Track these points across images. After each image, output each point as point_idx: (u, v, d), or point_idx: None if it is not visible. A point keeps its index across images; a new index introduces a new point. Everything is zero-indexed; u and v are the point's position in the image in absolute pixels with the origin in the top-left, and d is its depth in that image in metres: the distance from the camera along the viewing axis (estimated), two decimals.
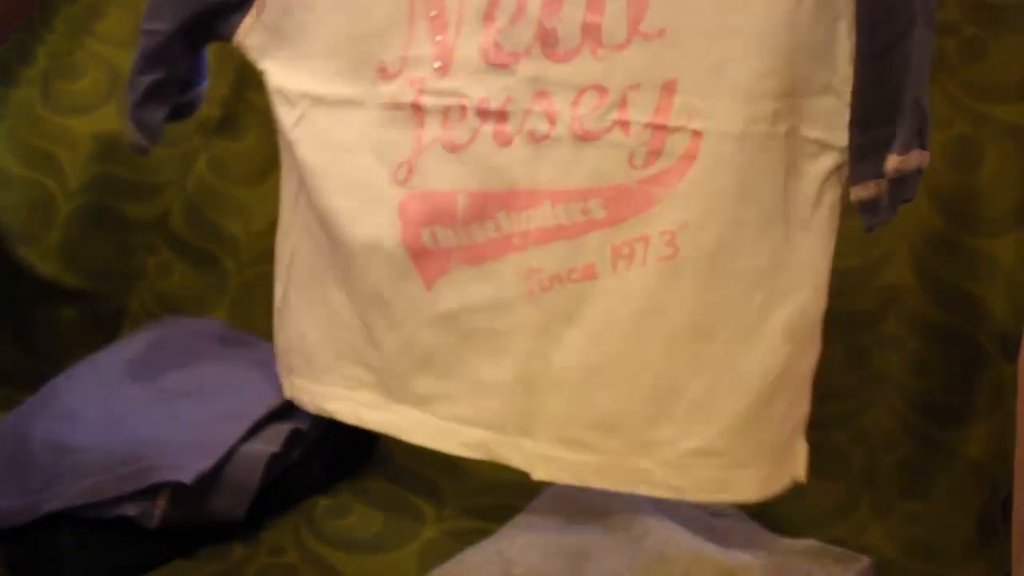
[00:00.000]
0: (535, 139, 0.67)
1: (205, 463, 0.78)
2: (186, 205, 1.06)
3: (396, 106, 0.72)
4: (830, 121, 0.64)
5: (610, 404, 0.68)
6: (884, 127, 0.62)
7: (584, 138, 0.66)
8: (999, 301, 0.82)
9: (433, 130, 0.70)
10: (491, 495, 0.83)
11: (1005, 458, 0.72)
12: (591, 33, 0.65)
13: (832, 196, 0.65)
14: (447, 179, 0.70)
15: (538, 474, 0.71)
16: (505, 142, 0.68)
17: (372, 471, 0.89)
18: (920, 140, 0.63)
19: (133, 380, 0.89)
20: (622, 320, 0.67)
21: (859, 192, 0.65)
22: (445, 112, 0.70)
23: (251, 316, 1.03)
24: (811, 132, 0.64)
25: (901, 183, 0.63)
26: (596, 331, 0.68)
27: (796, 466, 0.69)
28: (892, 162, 0.62)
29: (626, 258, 0.67)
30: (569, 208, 0.67)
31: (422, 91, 0.71)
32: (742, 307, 0.66)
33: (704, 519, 0.76)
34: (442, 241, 0.71)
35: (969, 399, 0.83)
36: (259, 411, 0.84)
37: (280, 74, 0.77)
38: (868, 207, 0.65)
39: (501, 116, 0.68)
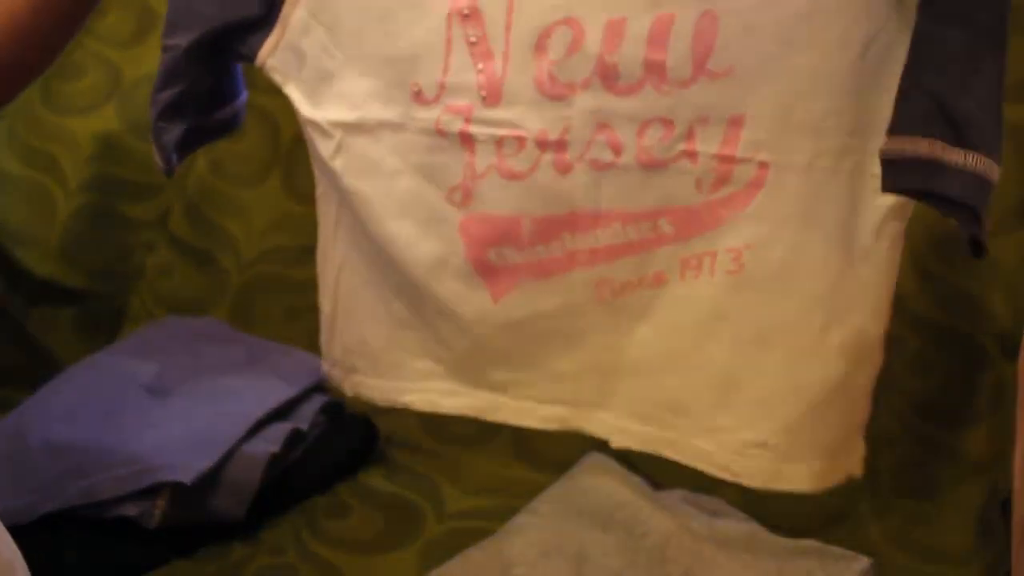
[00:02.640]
0: (599, 167, 0.68)
1: (205, 463, 0.78)
2: (186, 205, 1.06)
3: (440, 133, 0.71)
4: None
5: (678, 389, 0.71)
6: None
7: (651, 166, 0.67)
8: (999, 301, 0.82)
9: (487, 158, 0.70)
10: (491, 495, 0.83)
11: (1005, 458, 0.72)
12: (654, 70, 0.65)
13: (894, 229, 0.66)
14: (508, 205, 0.70)
15: (615, 442, 0.74)
16: (566, 170, 0.69)
17: (372, 471, 0.89)
18: (929, 129, 0.62)
19: (133, 380, 0.89)
20: (690, 320, 0.70)
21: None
22: (499, 142, 0.69)
23: (251, 316, 1.03)
24: (875, 167, 0.64)
25: (892, 167, 0.63)
26: (666, 328, 0.70)
27: (852, 463, 0.71)
28: (884, 143, 0.63)
29: (694, 268, 0.69)
30: (639, 226, 0.69)
31: (469, 120, 0.70)
32: (802, 325, 0.68)
33: (704, 519, 0.76)
34: (509, 259, 0.72)
35: (969, 399, 0.83)
36: (259, 411, 0.84)
37: (308, 103, 0.75)
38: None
39: (561, 145, 0.68)
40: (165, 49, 0.75)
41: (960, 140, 0.62)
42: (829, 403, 0.69)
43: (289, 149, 1.02)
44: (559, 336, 0.73)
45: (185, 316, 1.03)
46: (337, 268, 0.79)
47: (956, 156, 0.62)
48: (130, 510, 0.76)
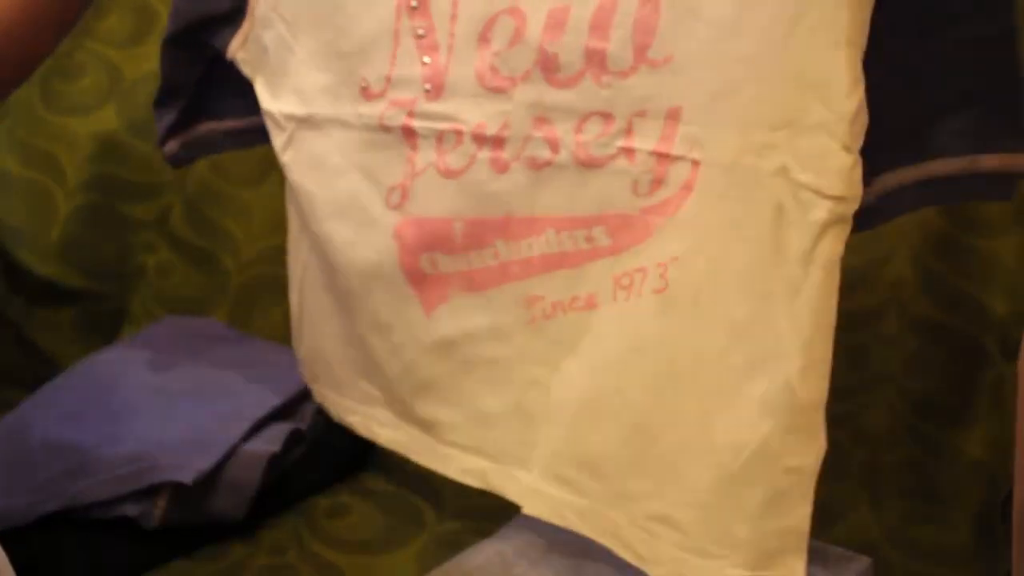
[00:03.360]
0: (535, 165, 0.65)
1: (205, 463, 0.78)
2: (186, 205, 1.06)
3: (383, 128, 0.69)
4: (823, 163, 0.58)
5: (597, 443, 0.64)
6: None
7: (588, 165, 0.64)
8: (999, 301, 0.82)
9: (427, 155, 0.68)
10: (491, 495, 0.83)
11: (1005, 458, 0.72)
12: (595, 59, 0.62)
13: (828, 255, 0.58)
14: (442, 205, 0.68)
15: (528, 508, 0.68)
16: (502, 169, 0.66)
17: (372, 471, 0.89)
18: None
19: (133, 380, 0.89)
20: (614, 353, 0.63)
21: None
22: (440, 137, 0.67)
23: (251, 316, 1.03)
24: (803, 175, 0.58)
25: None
26: (592, 363, 0.65)
27: None
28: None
29: (625, 288, 0.63)
30: (574, 235, 0.65)
31: (412, 114, 0.68)
32: (721, 362, 0.59)
33: None
34: (441, 267, 0.69)
35: (969, 399, 0.83)
36: (259, 411, 0.84)
37: (267, 94, 0.75)
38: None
39: (498, 142, 0.66)
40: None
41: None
42: (745, 478, 0.58)
43: None
44: (488, 364, 0.69)
45: (185, 316, 1.03)
46: (303, 267, 0.78)
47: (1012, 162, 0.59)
48: (130, 510, 0.76)
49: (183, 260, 1.06)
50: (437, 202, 0.68)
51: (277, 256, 1.02)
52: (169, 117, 0.81)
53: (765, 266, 0.59)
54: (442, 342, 0.70)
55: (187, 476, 0.77)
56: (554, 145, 0.64)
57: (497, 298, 0.68)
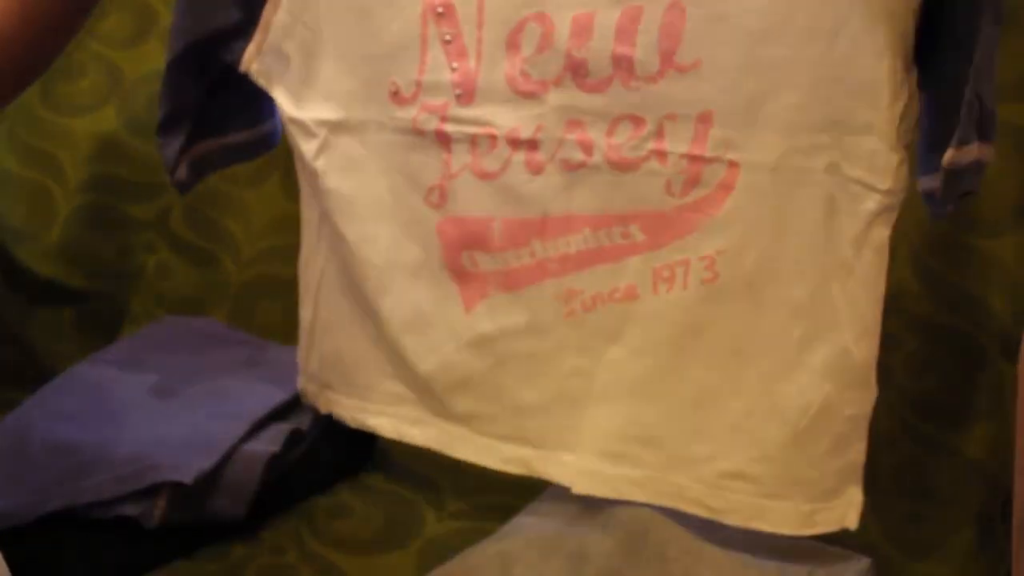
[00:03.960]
0: (569, 167, 0.67)
1: (205, 463, 0.78)
2: (186, 205, 1.06)
3: (417, 131, 0.70)
4: (872, 162, 0.63)
5: (651, 417, 0.68)
6: (948, 121, 0.62)
7: (621, 166, 0.65)
8: (999, 301, 0.82)
9: (462, 157, 0.69)
10: (491, 495, 0.83)
11: (1005, 458, 0.72)
12: (623, 65, 0.64)
13: (878, 239, 0.64)
14: (480, 206, 0.69)
15: (579, 487, 0.70)
16: (537, 170, 0.67)
17: (372, 471, 0.89)
18: (980, 133, 0.62)
19: (133, 380, 0.89)
20: (664, 337, 0.67)
21: (923, 183, 0.66)
22: (473, 140, 0.69)
23: (251, 316, 1.03)
24: (852, 171, 0.63)
25: (955, 176, 0.63)
26: (638, 347, 0.68)
27: (847, 514, 0.68)
28: (948, 155, 0.62)
29: (667, 280, 0.66)
30: (610, 232, 0.67)
31: (445, 118, 0.69)
32: (780, 337, 0.65)
33: (704, 519, 0.76)
34: (481, 265, 0.70)
35: (969, 399, 0.83)
36: (259, 411, 0.84)
37: (292, 103, 0.75)
38: (928, 198, 0.66)
39: (533, 145, 0.67)
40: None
41: (986, 136, 0.63)
42: (812, 432, 0.66)
43: (289, 149, 1.02)
44: (526, 360, 0.71)
45: (185, 316, 1.03)
46: (319, 274, 0.78)
47: (985, 153, 0.63)
48: (130, 510, 0.76)
49: (183, 260, 1.06)
50: (474, 203, 0.69)
51: (277, 256, 1.03)
52: (176, 142, 0.78)
53: (818, 252, 0.64)
54: (480, 338, 0.71)
55: (187, 476, 0.77)
56: (587, 147, 0.66)
57: (535, 295, 0.69)
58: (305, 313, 0.80)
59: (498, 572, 0.70)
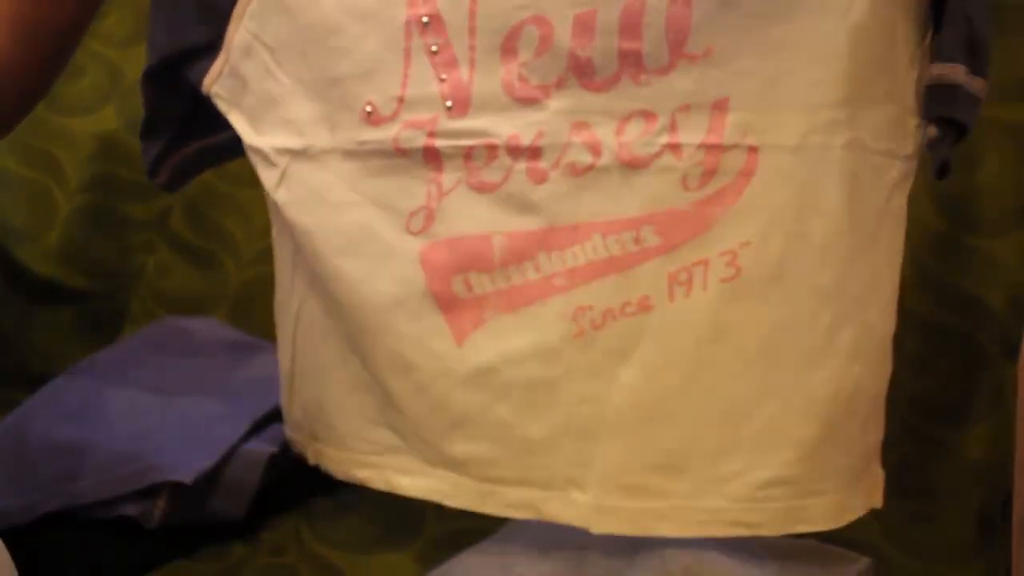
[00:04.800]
0: (576, 172, 0.63)
1: (205, 463, 0.78)
2: (186, 205, 1.06)
3: (399, 152, 0.65)
4: (893, 130, 0.62)
5: (675, 441, 0.64)
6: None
7: (633, 165, 0.62)
8: (999, 301, 0.82)
9: (455, 173, 0.65)
10: None
11: (1005, 458, 0.72)
12: (630, 59, 0.61)
13: (897, 208, 0.64)
14: (478, 221, 0.64)
15: (597, 527, 0.65)
16: (540, 179, 0.64)
17: None
18: (969, 62, 0.61)
19: (133, 380, 0.89)
20: (684, 349, 0.63)
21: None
22: (467, 154, 0.64)
23: (251, 316, 1.03)
24: (874, 142, 0.61)
25: (937, 95, 0.62)
26: (655, 365, 0.63)
27: (872, 493, 0.67)
28: (934, 68, 0.61)
29: (683, 284, 0.63)
30: (621, 238, 0.63)
31: (433, 134, 0.64)
32: (809, 327, 0.62)
33: None
34: (477, 288, 0.65)
35: (969, 399, 0.83)
36: (259, 411, 0.84)
37: (251, 129, 0.70)
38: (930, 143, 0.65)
39: (534, 152, 0.63)
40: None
41: (977, 68, 0.62)
42: (844, 417, 0.64)
43: None
44: (529, 389, 0.65)
45: (185, 316, 1.03)
46: (294, 318, 0.74)
47: (976, 84, 0.62)
48: (130, 510, 0.76)
49: (183, 260, 1.06)
50: (472, 219, 0.65)
51: None
52: (156, 148, 0.76)
53: (843, 231, 0.62)
54: (477, 371, 0.66)
55: (187, 476, 0.77)
56: (595, 149, 0.63)
57: (540, 314, 0.64)
58: (284, 359, 0.75)
59: (498, 572, 0.70)
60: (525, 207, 0.64)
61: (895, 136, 0.62)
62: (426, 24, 0.64)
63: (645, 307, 0.63)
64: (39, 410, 0.86)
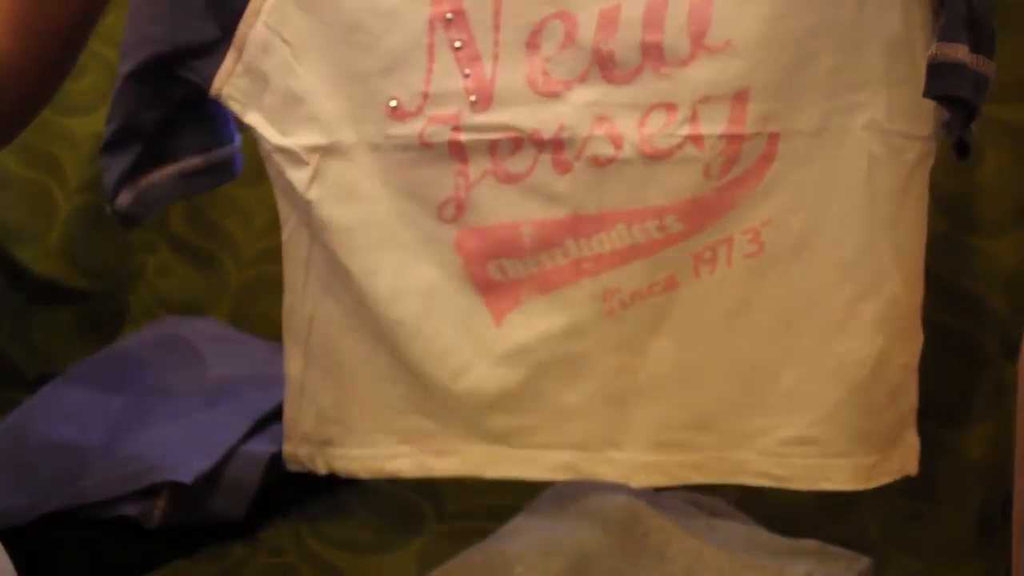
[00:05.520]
0: (599, 163, 0.65)
1: (205, 463, 0.78)
2: (186, 205, 1.06)
3: (425, 145, 0.67)
4: (911, 111, 0.64)
5: (705, 402, 0.68)
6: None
7: (655, 157, 0.65)
8: (999, 301, 0.82)
9: (481, 164, 0.67)
10: (491, 495, 0.83)
11: (1005, 458, 0.72)
12: (652, 52, 0.63)
13: (918, 187, 0.65)
14: (507, 211, 0.67)
15: (636, 481, 0.69)
16: (565, 169, 0.66)
17: None
18: (972, 42, 0.62)
19: (133, 380, 0.89)
20: (710, 321, 0.67)
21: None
22: (492, 147, 0.66)
23: (251, 316, 1.03)
24: (892, 124, 0.64)
25: (939, 73, 0.62)
26: (684, 336, 0.67)
27: (907, 459, 0.69)
28: (932, 48, 0.62)
29: (708, 262, 0.66)
30: (645, 226, 0.66)
31: (458, 128, 0.66)
32: (832, 298, 0.65)
33: (704, 519, 0.76)
34: (511, 273, 0.68)
35: (969, 399, 0.83)
36: (259, 411, 0.84)
37: (273, 130, 0.70)
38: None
39: (557, 144, 0.65)
40: (117, 78, 0.70)
41: (979, 47, 0.62)
42: (870, 385, 0.66)
43: None
44: (565, 363, 0.69)
45: (185, 316, 1.03)
46: (308, 320, 0.73)
47: (980, 64, 0.63)
48: (130, 510, 0.76)
49: (183, 260, 1.06)
50: (501, 208, 0.67)
51: (277, 256, 1.02)
52: (122, 163, 0.71)
53: (863, 209, 0.64)
54: (515, 349, 0.69)
55: (187, 476, 0.77)
56: (617, 141, 0.65)
57: (572, 295, 0.68)
58: (293, 368, 0.75)
59: (498, 572, 0.70)
60: (551, 197, 0.66)
61: (913, 117, 0.64)
62: (450, 20, 0.65)
63: (672, 284, 0.66)
64: (39, 410, 0.86)
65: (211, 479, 0.78)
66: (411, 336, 0.70)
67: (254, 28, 0.68)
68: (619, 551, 0.71)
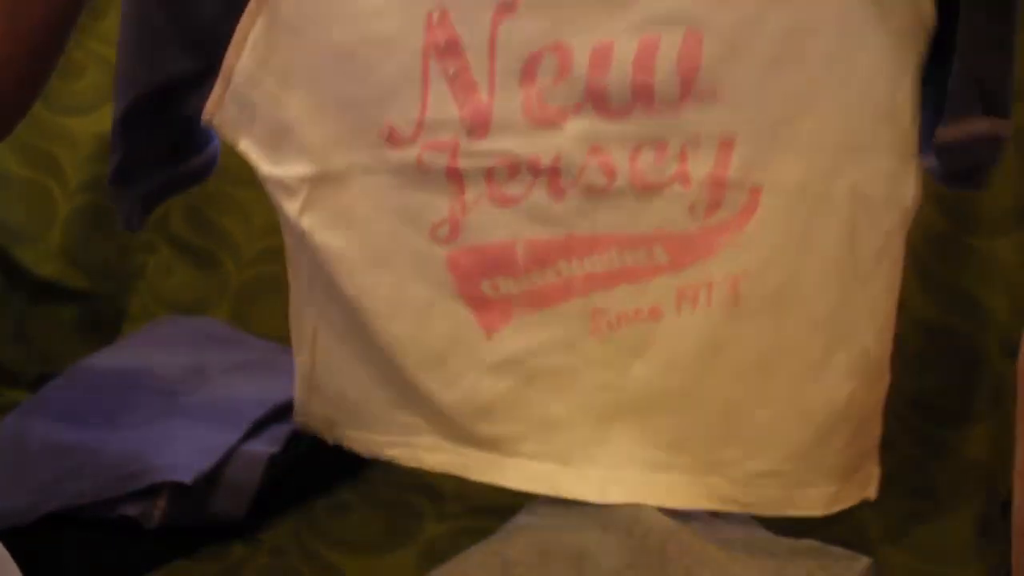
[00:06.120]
0: (593, 191, 0.66)
1: (205, 463, 0.78)
2: (186, 205, 1.06)
3: (420, 170, 0.67)
4: (895, 179, 0.64)
5: (680, 429, 0.69)
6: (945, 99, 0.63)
7: (646, 189, 0.65)
8: (999, 301, 0.82)
9: (478, 188, 0.67)
10: (491, 495, 0.83)
11: (1005, 458, 0.72)
12: (643, 93, 0.64)
13: (896, 250, 0.66)
14: (502, 231, 0.68)
15: (609, 497, 0.70)
16: (559, 195, 0.67)
17: (372, 471, 0.89)
18: (987, 104, 0.62)
19: (133, 380, 0.89)
20: (687, 356, 0.68)
21: (925, 160, 0.66)
22: (489, 172, 0.67)
23: (251, 316, 1.03)
24: (875, 190, 0.64)
25: (951, 156, 0.64)
26: (663, 365, 0.68)
27: (867, 486, 0.71)
28: (948, 131, 0.63)
29: (690, 300, 0.67)
30: (635, 253, 0.67)
31: (456, 154, 0.67)
32: (804, 349, 0.67)
33: (704, 519, 0.76)
34: (504, 290, 0.69)
35: (969, 399, 0.83)
36: (259, 411, 0.84)
37: (265, 158, 0.70)
38: (936, 174, 0.67)
39: (553, 172, 0.66)
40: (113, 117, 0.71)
41: (994, 108, 0.63)
42: (837, 425, 0.68)
43: None
44: (554, 374, 0.70)
45: (185, 316, 1.03)
46: (313, 325, 0.76)
47: (997, 127, 0.63)
48: (130, 510, 0.76)
49: (183, 260, 1.06)
50: (496, 228, 0.68)
51: (277, 256, 1.02)
52: (132, 192, 0.74)
53: (840, 270, 0.65)
54: (505, 361, 0.70)
55: (187, 476, 0.76)
56: (610, 172, 0.65)
57: (562, 312, 0.69)
58: (302, 359, 0.77)
59: (498, 573, 0.70)
60: (546, 219, 0.67)
61: (895, 185, 0.64)
62: (444, 49, 0.65)
63: (655, 314, 0.67)
64: (39, 410, 0.86)
65: (211, 479, 0.78)
66: (406, 350, 0.72)
67: (240, 60, 0.68)
68: (619, 551, 0.70)
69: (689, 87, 0.63)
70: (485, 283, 0.69)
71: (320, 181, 0.69)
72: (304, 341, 0.77)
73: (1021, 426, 0.59)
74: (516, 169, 0.67)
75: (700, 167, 0.64)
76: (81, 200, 1.04)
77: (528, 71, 0.65)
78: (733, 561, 0.70)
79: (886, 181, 0.64)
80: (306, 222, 0.71)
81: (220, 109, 0.70)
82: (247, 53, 0.68)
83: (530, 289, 0.69)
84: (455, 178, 0.67)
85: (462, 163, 0.67)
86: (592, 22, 0.63)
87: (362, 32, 0.66)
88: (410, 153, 0.67)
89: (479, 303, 0.70)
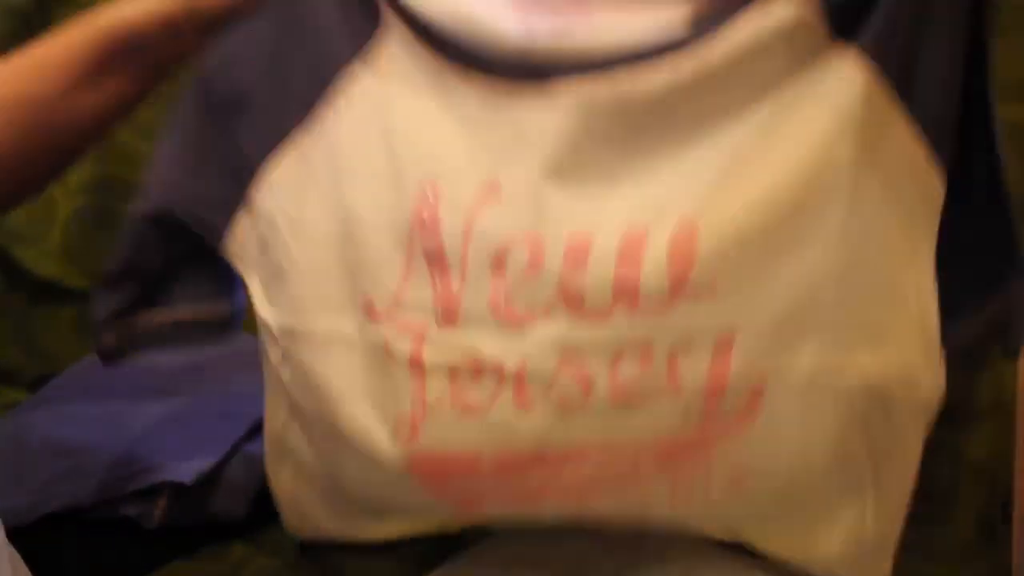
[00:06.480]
0: (565, 406, 0.57)
1: (205, 463, 0.78)
2: None
3: (388, 352, 0.61)
4: (909, 374, 0.59)
5: None
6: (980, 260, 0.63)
7: (628, 403, 0.57)
8: None
9: (439, 386, 0.60)
10: None
11: (1005, 458, 0.72)
12: (625, 291, 0.55)
13: (913, 438, 0.62)
14: (464, 440, 0.60)
15: None
16: (527, 407, 0.58)
17: None
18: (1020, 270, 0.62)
19: (133, 380, 0.89)
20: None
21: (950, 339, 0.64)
22: (452, 372, 0.59)
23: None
24: (887, 384, 0.58)
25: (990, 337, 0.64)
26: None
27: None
28: (976, 319, 0.63)
29: (687, 488, 0.61)
30: (617, 465, 0.60)
31: (422, 340, 0.59)
32: (807, 523, 0.64)
33: None
34: (473, 489, 0.63)
35: (969, 399, 0.83)
36: (259, 411, 0.84)
37: (263, 299, 0.66)
38: (956, 352, 0.65)
39: (519, 379, 0.58)
40: (131, 217, 0.68)
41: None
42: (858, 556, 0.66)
43: None
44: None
45: None
46: (293, 465, 0.71)
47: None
48: (130, 510, 0.76)
49: None
50: (457, 438, 0.60)
51: None
52: (114, 302, 0.68)
53: (850, 454, 0.60)
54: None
55: (187, 476, 0.77)
56: (586, 386, 0.57)
57: (540, 511, 0.64)
58: (285, 481, 0.73)
59: (498, 572, 0.70)
60: (512, 433, 0.59)
61: (910, 380, 0.60)
62: (424, 224, 0.59)
63: (645, 507, 0.63)
64: (39, 410, 0.86)
65: (211, 479, 0.78)
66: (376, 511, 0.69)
67: (259, 194, 0.65)
68: (619, 551, 0.70)
69: (681, 285, 0.55)
70: (451, 484, 0.63)
71: (301, 339, 0.64)
72: (284, 471, 0.72)
73: (1021, 426, 0.59)
74: (480, 371, 0.59)
75: (693, 373, 0.56)
76: (81, 200, 1.04)
77: (499, 261, 0.57)
78: (733, 562, 0.70)
79: (900, 376, 0.59)
80: (285, 375, 0.66)
81: (243, 242, 0.66)
82: (267, 190, 0.64)
83: (503, 490, 0.63)
84: (417, 370, 0.60)
85: (427, 353, 0.59)
86: (568, 209, 0.56)
87: (370, 196, 0.61)
88: (381, 331, 0.61)
89: (447, 495, 0.64)
